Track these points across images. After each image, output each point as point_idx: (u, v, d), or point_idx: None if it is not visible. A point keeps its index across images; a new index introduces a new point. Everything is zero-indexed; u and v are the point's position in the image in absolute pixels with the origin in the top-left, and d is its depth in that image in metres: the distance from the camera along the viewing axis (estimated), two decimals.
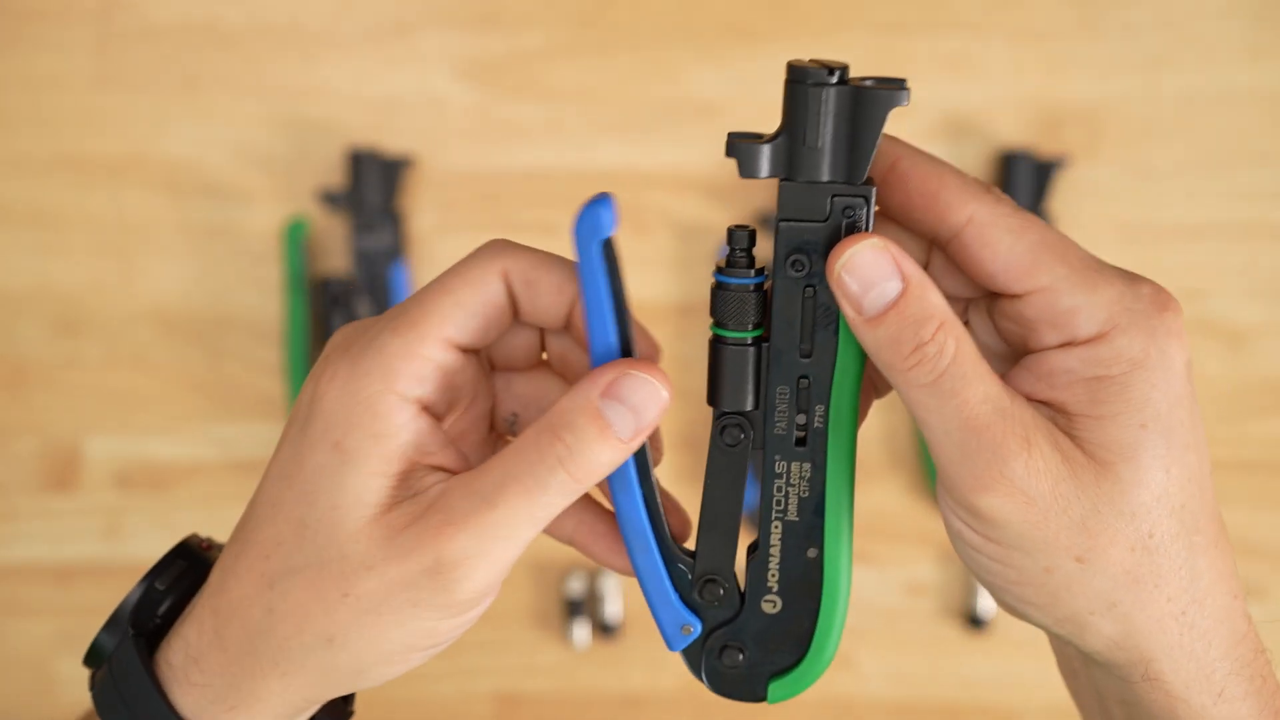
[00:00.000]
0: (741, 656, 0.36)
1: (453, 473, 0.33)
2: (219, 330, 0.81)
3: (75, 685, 0.81)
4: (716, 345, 0.34)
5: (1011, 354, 0.35)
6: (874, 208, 0.33)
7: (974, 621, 0.79)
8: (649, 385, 0.32)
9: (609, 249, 0.33)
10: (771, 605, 0.36)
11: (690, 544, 0.37)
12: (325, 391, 0.33)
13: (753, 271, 0.34)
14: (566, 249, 0.33)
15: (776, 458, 0.35)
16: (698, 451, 0.79)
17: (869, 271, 0.31)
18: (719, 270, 0.34)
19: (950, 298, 0.34)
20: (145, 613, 0.35)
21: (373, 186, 0.78)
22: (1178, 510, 0.32)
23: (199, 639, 0.34)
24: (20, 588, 0.82)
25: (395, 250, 0.78)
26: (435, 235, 0.80)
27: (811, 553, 0.35)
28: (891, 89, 0.32)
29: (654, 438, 0.36)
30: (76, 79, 0.80)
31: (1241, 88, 0.78)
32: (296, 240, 0.79)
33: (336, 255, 0.81)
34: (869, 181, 0.33)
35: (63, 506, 0.81)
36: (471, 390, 0.36)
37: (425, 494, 0.33)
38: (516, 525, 0.32)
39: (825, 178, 0.33)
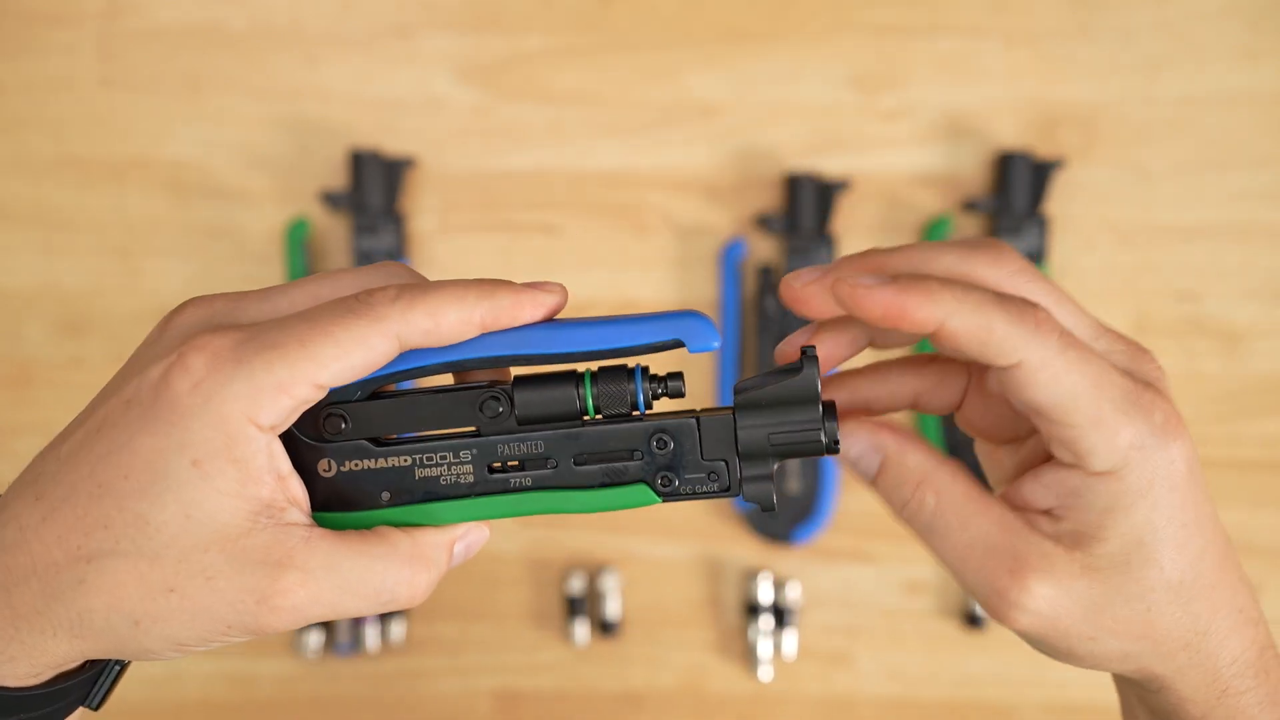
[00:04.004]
0: None
1: (298, 499, 0.36)
2: None
3: None
4: (575, 379, 0.36)
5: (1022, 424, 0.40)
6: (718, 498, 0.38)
7: (972, 620, 0.80)
8: (486, 535, 0.39)
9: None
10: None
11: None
12: (181, 397, 0.33)
13: (645, 401, 0.37)
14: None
15: (477, 444, 0.37)
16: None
17: (857, 451, 0.38)
18: (642, 367, 0.37)
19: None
20: None
21: (374, 187, 0.78)
22: (1173, 587, 0.36)
23: None
24: None
25: (396, 251, 0.79)
26: (436, 236, 0.81)
27: (385, 496, 0.37)
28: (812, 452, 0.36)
29: None
30: (81, 81, 0.80)
31: (1237, 90, 0.79)
32: (298, 241, 0.79)
33: (338, 256, 0.81)
34: (738, 488, 0.37)
35: None
36: None
37: (287, 533, 0.35)
38: (348, 611, 0.36)
39: (738, 447, 0.36)
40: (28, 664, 0.35)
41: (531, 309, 0.36)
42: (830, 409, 0.36)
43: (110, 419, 0.34)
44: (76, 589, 0.34)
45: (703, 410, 0.37)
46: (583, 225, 0.80)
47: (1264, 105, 0.79)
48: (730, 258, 0.79)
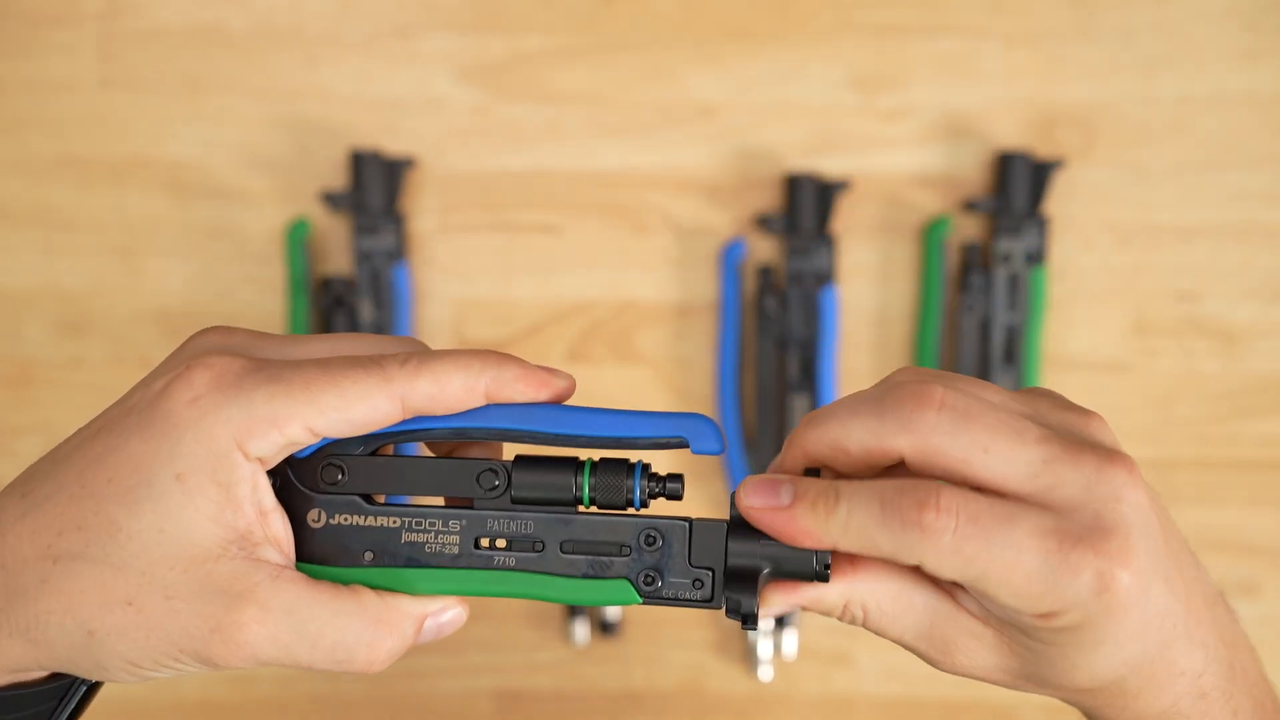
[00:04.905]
0: None
1: (277, 539, 0.35)
2: None
3: None
4: (575, 466, 0.36)
5: None
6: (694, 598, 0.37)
7: None
8: (462, 618, 0.38)
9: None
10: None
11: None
12: (177, 409, 0.34)
13: (640, 498, 0.36)
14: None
15: (467, 516, 0.37)
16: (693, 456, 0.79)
17: (776, 612, 0.39)
18: (645, 464, 0.36)
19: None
20: None
21: (374, 188, 0.79)
22: (1113, 682, 0.36)
23: None
24: None
25: (396, 251, 0.79)
26: (436, 236, 0.81)
27: (368, 556, 0.37)
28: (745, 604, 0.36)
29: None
30: (81, 81, 0.80)
31: (1236, 90, 0.79)
32: (299, 241, 0.79)
33: (338, 256, 0.81)
34: (720, 601, 0.36)
35: None
36: None
37: (255, 568, 0.34)
38: (301, 660, 0.35)
39: (726, 559, 0.36)
40: None
41: (536, 387, 0.36)
42: None
43: (109, 425, 0.35)
44: (39, 588, 0.34)
45: (698, 518, 0.36)
46: (583, 225, 0.80)
47: (1263, 105, 0.79)
48: (730, 258, 0.79)
